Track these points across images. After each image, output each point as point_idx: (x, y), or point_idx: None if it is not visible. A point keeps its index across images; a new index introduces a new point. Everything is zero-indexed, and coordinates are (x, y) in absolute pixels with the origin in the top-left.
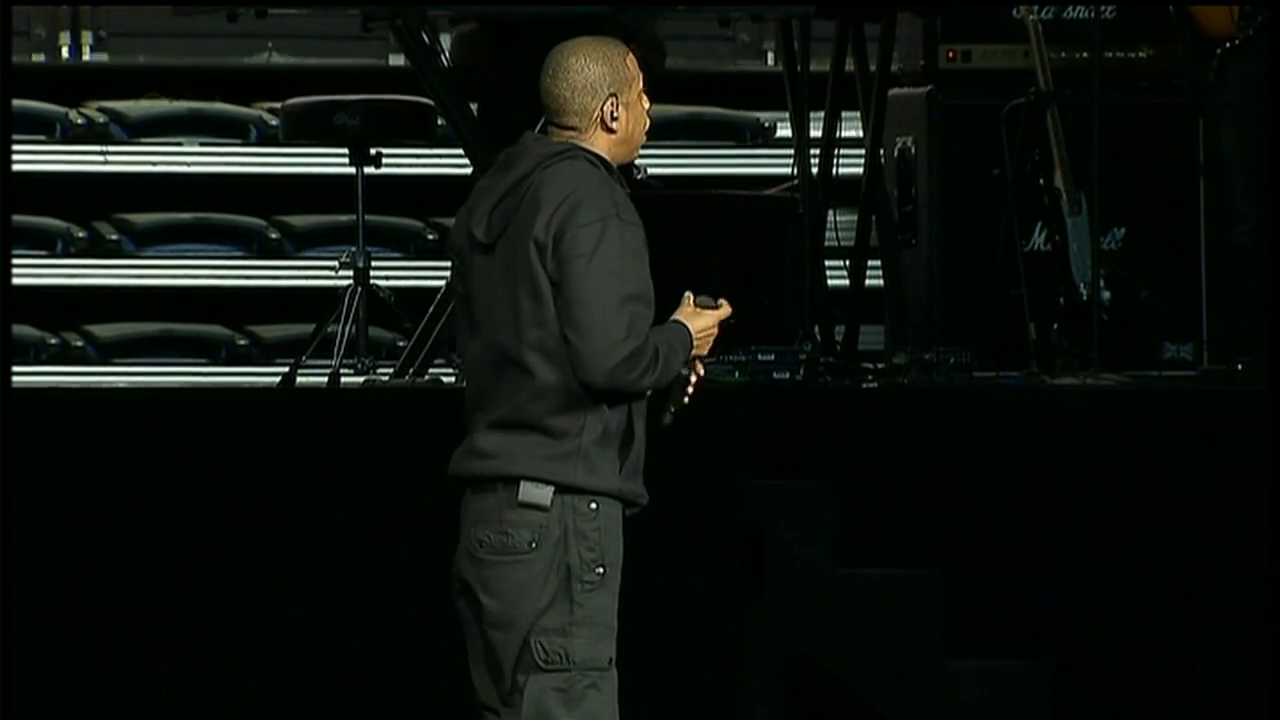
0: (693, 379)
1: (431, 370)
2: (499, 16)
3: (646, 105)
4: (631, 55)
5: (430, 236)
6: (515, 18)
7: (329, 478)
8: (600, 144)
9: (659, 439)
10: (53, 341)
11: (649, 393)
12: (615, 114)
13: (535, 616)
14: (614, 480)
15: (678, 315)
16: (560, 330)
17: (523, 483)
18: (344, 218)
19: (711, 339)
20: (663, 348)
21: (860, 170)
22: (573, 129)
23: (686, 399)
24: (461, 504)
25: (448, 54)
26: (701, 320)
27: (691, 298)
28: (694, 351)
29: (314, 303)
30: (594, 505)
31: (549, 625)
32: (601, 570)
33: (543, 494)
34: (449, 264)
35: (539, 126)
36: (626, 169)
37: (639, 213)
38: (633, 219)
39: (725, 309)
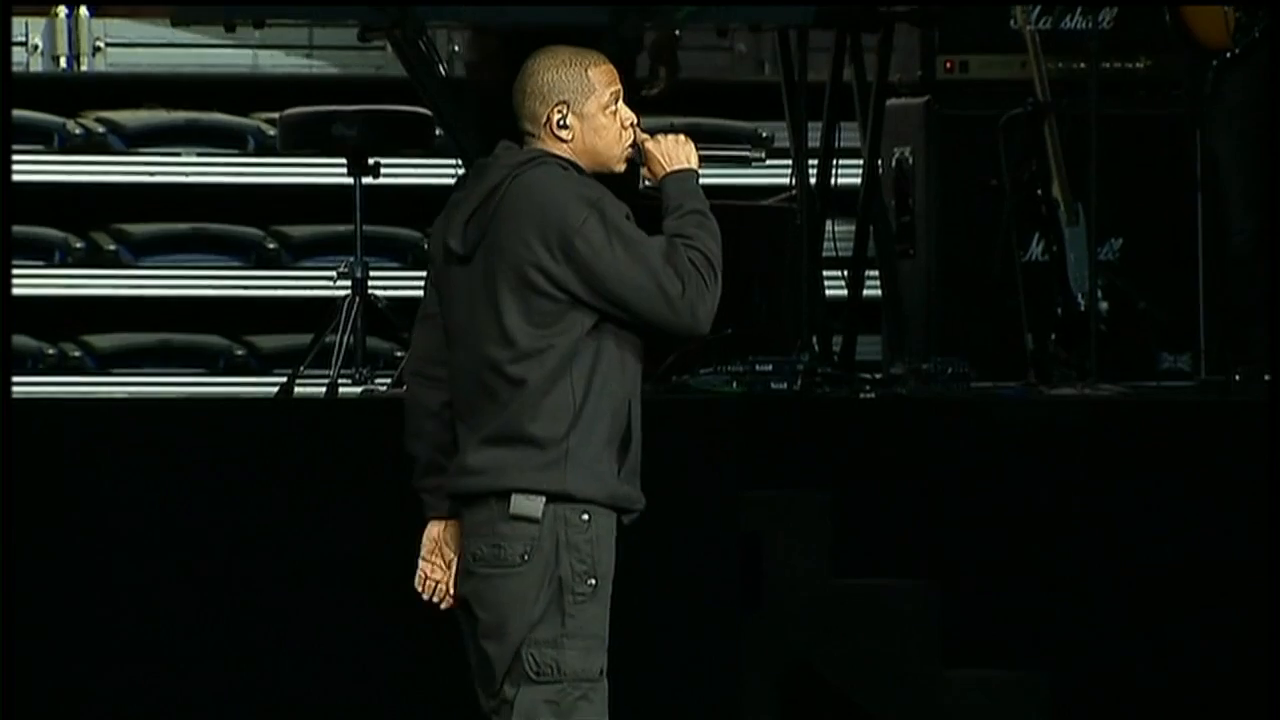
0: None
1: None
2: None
3: (628, 120)
4: (603, 68)
5: (428, 247)
6: (521, 27)
7: (327, 488)
8: (560, 153)
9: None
10: (50, 352)
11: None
12: (564, 122)
13: (527, 629)
14: (608, 484)
15: (658, 172)
16: (627, 324)
17: (514, 496)
18: (342, 228)
19: (680, 144)
20: (698, 243)
21: (858, 180)
22: (530, 134)
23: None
24: (459, 521)
25: (458, 54)
26: (666, 147)
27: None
28: (688, 164)
29: (312, 313)
30: (585, 516)
31: (541, 637)
32: (593, 582)
33: (533, 506)
34: None
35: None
36: (628, 181)
37: (641, 224)
38: (604, 193)
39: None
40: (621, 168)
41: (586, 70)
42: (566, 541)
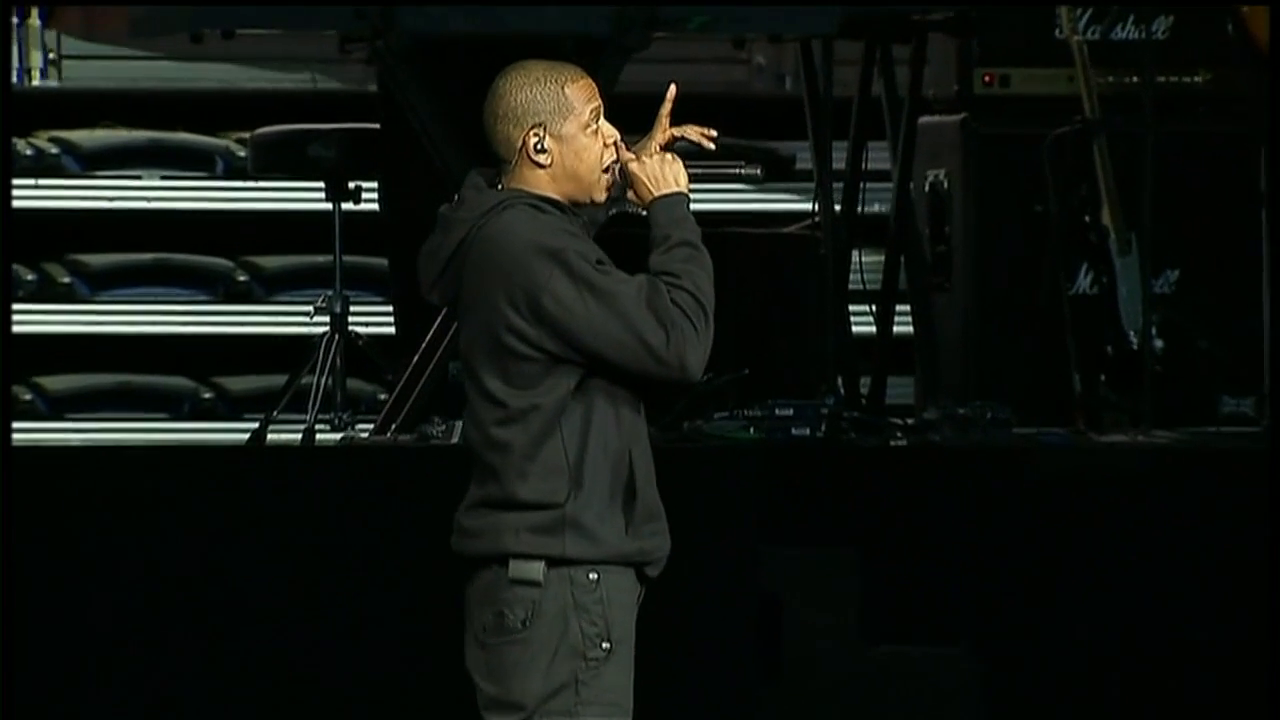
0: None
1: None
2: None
3: (610, 138)
4: (581, 84)
5: None
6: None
7: (302, 544)
8: (539, 181)
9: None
10: None
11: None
12: (541, 146)
13: (537, 700)
14: (614, 545)
15: (644, 196)
16: (615, 376)
17: (511, 561)
18: (319, 258)
19: (667, 163)
20: (686, 282)
21: (888, 206)
22: (504, 160)
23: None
24: (465, 583)
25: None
26: (651, 168)
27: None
28: (677, 187)
29: (286, 352)
30: (594, 576)
31: (555, 709)
32: (607, 646)
33: (533, 569)
34: (437, 311)
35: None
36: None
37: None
38: (570, 241)
39: (670, 93)
40: (603, 195)
41: (563, 87)
42: (574, 603)
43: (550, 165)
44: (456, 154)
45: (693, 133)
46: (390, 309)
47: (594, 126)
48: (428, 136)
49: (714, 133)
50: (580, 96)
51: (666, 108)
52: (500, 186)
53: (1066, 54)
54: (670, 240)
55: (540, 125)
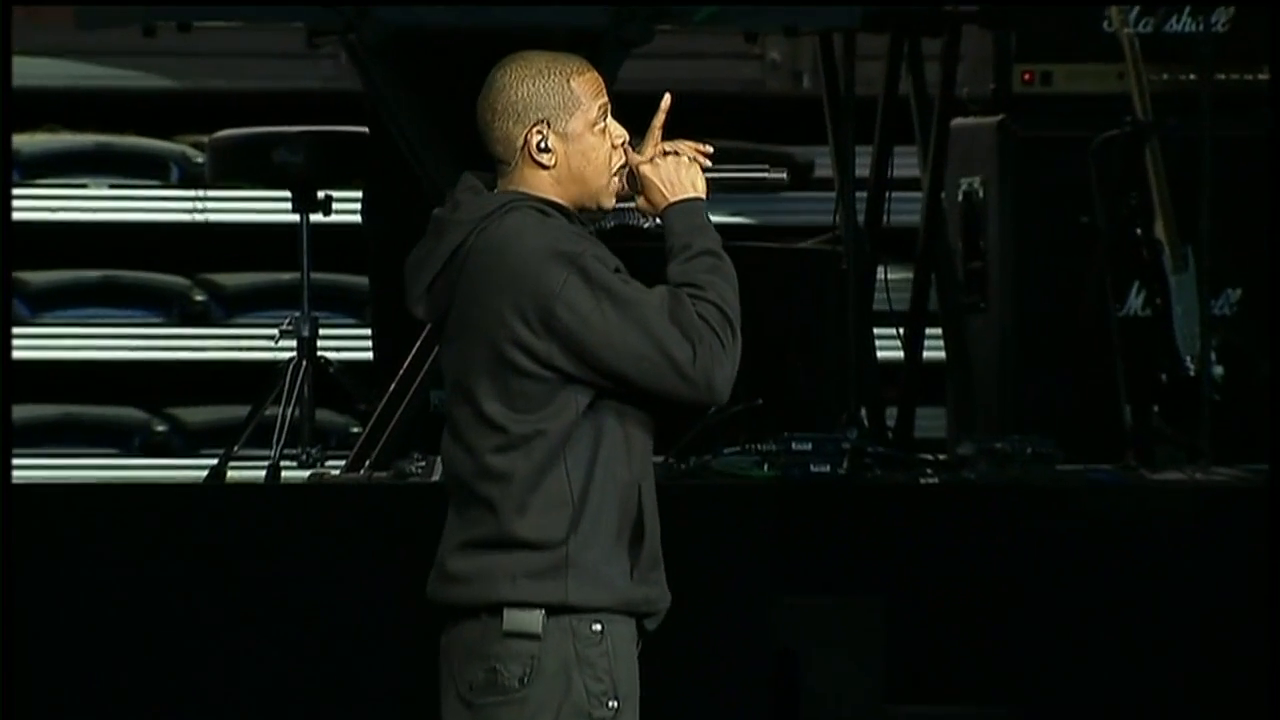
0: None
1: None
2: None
3: (619, 138)
4: (587, 77)
5: None
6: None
7: (266, 590)
8: (541, 184)
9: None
10: None
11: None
12: (544, 145)
13: None
14: (619, 589)
15: (658, 202)
16: (631, 397)
17: (506, 610)
18: (285, 276)
19: (683, 166)
20: (711, 294)
21: (917, 218)
22: (502, 161)
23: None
24: (441, 634)
25: None
26: (666, 171)
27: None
28: (694, 192)
29: (249, 380)
30: (597, 627)
31: None
32: (615, 704)
33: (531, 619)
34: (416, 333)
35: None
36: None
37: (652, 274)
38: (587, 245)
39: (664, 103)
40: (612, 200)
41: (568, 80)
42: (578, 657)
43: (554, 166)
44: (436, 159)
45: (686, 149)
46: (363, 332)
47: (602, 124)
48: (405, 139)
49: (710, 149)
50: (587, 91)
51: (659, 119)
52: (496, 190)
53: (1115, 49)
54: (691, 249)
55: (544, 122)
